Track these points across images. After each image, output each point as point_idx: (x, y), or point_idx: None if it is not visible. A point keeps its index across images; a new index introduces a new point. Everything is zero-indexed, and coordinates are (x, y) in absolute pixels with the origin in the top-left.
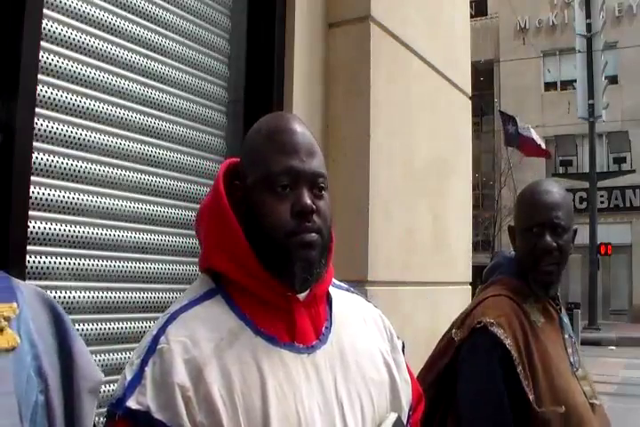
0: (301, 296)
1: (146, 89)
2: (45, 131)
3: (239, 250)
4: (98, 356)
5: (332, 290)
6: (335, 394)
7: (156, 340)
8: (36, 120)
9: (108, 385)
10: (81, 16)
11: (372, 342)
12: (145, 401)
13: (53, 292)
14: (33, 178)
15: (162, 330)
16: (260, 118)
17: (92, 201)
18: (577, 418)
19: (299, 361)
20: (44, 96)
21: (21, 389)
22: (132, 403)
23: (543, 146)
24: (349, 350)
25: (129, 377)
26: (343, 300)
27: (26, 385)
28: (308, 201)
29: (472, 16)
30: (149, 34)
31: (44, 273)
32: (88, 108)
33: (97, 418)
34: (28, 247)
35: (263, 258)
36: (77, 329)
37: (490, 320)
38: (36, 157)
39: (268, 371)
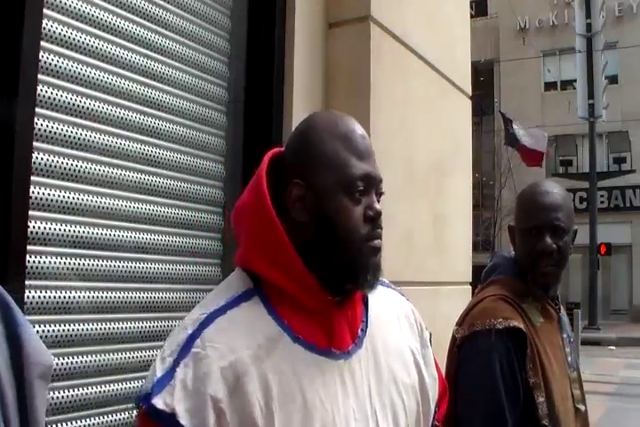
0: (339, 299)
1: (146, 89)
2: (45, 131)
3: (282, 253)
4: (98, 356)
5: None
6: (369, 401)
7: (191, 341)
8: (36, 120)
9: (108, 385)
10: (81, 16)
11: (405, 342)
12: (172, 403)
13: (53, 292)
14: (33, 178)
15: (198, 331)
16: (314, 116)
17: (91, 201)
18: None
19: (336, 368)
20: (44, 96)
21: None
22: (158, 402)
23: (538, 148)
24: (382, 352)
25: (159, 373)
26: (379, 297)
27: None
28: (379, 207)
29: (472, 16)
30: (149, 34)
31: (44, 273)
32: (88, 108)
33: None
34: (28, 247)
35: (320, 260)
36: (77, 329)
37: (496, 321)
38: (36, 157)
39: (306, 381)
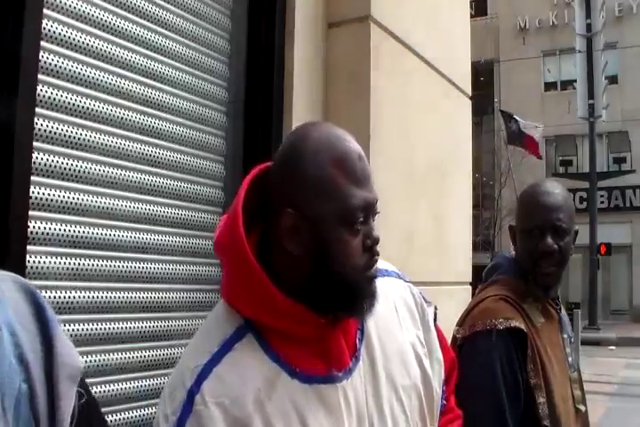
0: (331, 317)
1: (146, 89)
2: (45, 131)
3: (266, 296)
4: (97, 356)
5: None
6: (367, 415)
7: (191, 397)
8: (35, 120)
9: (108, 385)
10: (81, 16)
11: (405, 337)
12: None
13: (53, 292)
14: (33, 178)
15: (197, 386)
16: (305, 132)
17: (91, 201)
18: None
19: (339, 391)
20: (44, 96)
21: (3, 377)
22: None
23: (534, 136)
24: (380, 358)
25: None
26: None
27: (8, 373)
28: (377, 234)
29: (472, 16)
30: (149, 34)
31: (44, 273)
32: (88, 108)
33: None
34: (28, 247)
35: (314, 288)
36: (77, 329)
37: (497, 321)
38: (36, 157)
39: (309, 416)
